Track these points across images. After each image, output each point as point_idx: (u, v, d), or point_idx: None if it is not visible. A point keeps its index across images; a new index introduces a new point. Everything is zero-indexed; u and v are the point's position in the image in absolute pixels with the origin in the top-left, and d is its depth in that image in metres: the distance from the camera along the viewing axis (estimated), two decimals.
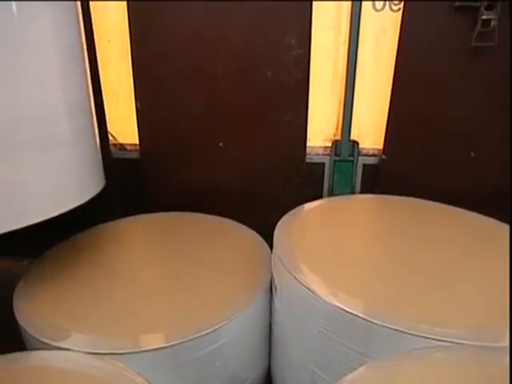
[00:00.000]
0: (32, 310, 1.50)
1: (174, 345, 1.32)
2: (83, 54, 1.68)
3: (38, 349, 1.36)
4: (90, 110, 1.73)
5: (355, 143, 2.35)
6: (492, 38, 1.94)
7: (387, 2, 2.08)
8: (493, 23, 1.91)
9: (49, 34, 1.43)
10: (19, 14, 1.29)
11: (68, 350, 1.29)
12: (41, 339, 1.35)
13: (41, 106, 1.42)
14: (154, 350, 1.31)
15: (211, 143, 2.37)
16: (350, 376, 0.95)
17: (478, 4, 1.90)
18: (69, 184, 1.59)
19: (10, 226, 1.36)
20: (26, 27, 1.33)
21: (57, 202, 1.52)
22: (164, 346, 1.31)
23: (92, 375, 1.15)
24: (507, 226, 1.79)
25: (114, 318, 1.46)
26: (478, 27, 1.94)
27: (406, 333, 1.12)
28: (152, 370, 1.28)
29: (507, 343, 1.08)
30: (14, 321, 1.47)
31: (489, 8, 1.89)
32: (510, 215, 1.90)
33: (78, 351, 1.27)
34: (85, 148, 1.67)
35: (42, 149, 1.43)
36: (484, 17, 1.91)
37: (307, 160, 2.39)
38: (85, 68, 1.69)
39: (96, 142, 1.79)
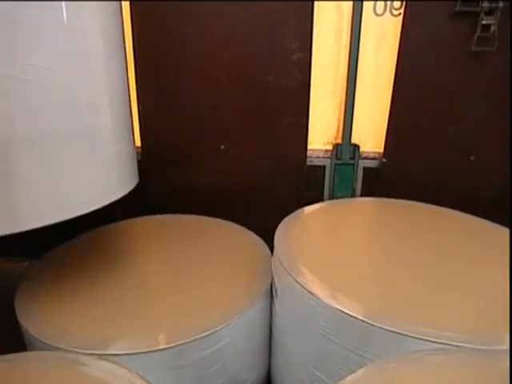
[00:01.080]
0: (34, 310, 1.50)
1: (174, 346, 1.32)
2: (124, 47, 1.68)
3: (39, 349, 1.37)
4: (129, 102, 1.74)
5: (356, 146, 2.36)
6: (492, 42, 1.96)
7: (388, 7, 2.09)
8: (493, 28, 1.93)
9: (96, 24, 1.42)
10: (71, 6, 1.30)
11: (69, 350, 1.29)
12: (42, 340, 1.35)
13: (88, 94, 1.42)
14: (155, 351, 1.31)
15: (212, 145, 2.39)
16: (348, 378, 0.96)
17: (478, 9, 1.92)
18: (111, 176, 1.58)
19: (53, 218, 1.33)
20: (77, 17, 1.32)
21: (99, 194, 1.50)
22: (164, 347, 1.32)
23: (93, 376, 1.15)
24: (507, 230, 1.79)
25: (114, 319, 1.46)
26: (478, 32, 1.95)
27: (406, 335, 1.12)
28: (152, 371, 1.28)
29: (506, 346, 1.08)
30: (16, 321, 1.48)
31: (489, 13, 1.91)
32: (510, 218, 1.91)
33: (79, 352, 1.27)
34: (124, 140, 1.67)
35: (86, 138, 1.42)
36: (484, 22, 1.92)
37: (308, 163, 2.40)
38: (125, 61, 1.70)
39: (133, 136, 1.80)
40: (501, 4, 1.87)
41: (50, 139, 1.31)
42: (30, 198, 1.29)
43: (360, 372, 0.99)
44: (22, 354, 1.27)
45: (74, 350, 1.29)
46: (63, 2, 1.27)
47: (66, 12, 1.28)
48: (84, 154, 1.43)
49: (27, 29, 1.19)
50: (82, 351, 1.28)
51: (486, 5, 1.89)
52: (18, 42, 1.18)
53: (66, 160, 1.37)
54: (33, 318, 1.46)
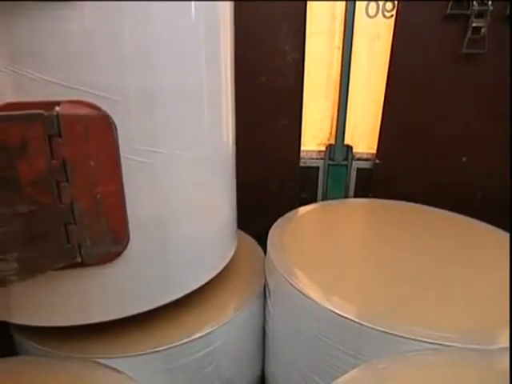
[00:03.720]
0: None
1: (166, 349, 1.31)
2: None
3: (29, 353, 1.35)
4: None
5: (349, 147, 2.36)
6: (482, 44, 1.98)
7: (380, 9, 2.11)
8: (483, 30, 1.95)
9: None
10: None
11: (59, 354, 1.28)
12: (31, 343, 1.33)
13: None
14: (147, 353, 1.30)
15: None
16: (341, 378, 0.96)
17: (469, 12, 1.94)
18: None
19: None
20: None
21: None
22: (156, 349, 1.31)
23: (83, 379, 1.14)
24: (498, 230, 1.81)
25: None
26: (469, 34, 1.97)
27: (399, 336, 1.12)
28: (144, 373, 1.27)
29: (498, 346, 1.09)
30: (6, 324, 1.45)
31: (479, 16, 1.93)
32: (510, 219, 1.92)
33: (70, 356, 1.26)
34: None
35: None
36: (474, 24, 1.95)
37: (301, 164, 2.40)
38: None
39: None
40: (490, 7, 1.89)
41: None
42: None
43: (353, 372, 0.99)
44: (10, 359, 1.26)
45: (64, 353, 1.27)
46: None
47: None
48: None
49: None
50: (73, 355, 1.26)
51: (476, 7, 1.91)
52: None
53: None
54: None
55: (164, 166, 1.20)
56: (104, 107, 1.02)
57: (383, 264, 1.55)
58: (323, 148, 2.40)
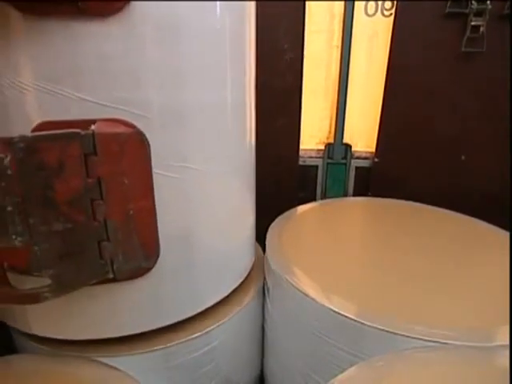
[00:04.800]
0: None
1: (165, 348, 1.31)
2: None
3: (29, 352, 1.35)
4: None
5: (348, 146, 2.36)
6: (481, 43, 1.98)
7: (379, 8, 2.11)
8: (482, 29, 1.95)
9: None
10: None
11: (59, 352, 1.27)
12: (31, 342, 1.33)
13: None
14: (146, 352, 1.29)
15: None
16: (340, 376, 0.95)
17: (467, 10, 1.94)
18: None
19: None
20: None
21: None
22: (155, 348, 1.30)
23: (84, 378, 1.14)
24: (498, 229, 1.81)
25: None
26: (468, 33, 1.97)
27: (398, 334, 1.12)
28: (143, 372, 1.27)
29: (496, 343, 1.09)
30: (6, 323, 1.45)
31: (478, 14, 1.93)
32: (510, 218, 1.92)
33: (69, 355, 1.26)
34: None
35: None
36: (473, 23, 1.95)
37: (300, 163, 2.40)
38: None
39: None
40: (489, 5, 1.90)
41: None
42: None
43: (351, 370, 0.99)
44: (10, 357, 1.25)
45: (63, 352, 1.27)
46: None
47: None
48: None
49: None
50: (72, 354, 1.26)
51: (474, 6, 1.92)
52: None
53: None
54: None
55: (194, 181, 1.22)
56: (138, 124, 1.03)
57: (382, 262, 1.55)
58: (322, 147, 2.40)
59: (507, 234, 1.75)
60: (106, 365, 1.19)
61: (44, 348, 1.30)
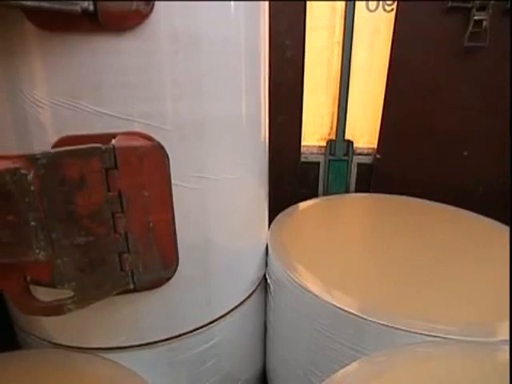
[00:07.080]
0: None
1: (167, 343, 1.32)
2: None
3: (32, 347, 1.36)
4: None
5: (350, 142, 2.36)
6: (484, 38, 1.97)
7: (380, 3, 2.09)
8: (484, 24, 1.94)
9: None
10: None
11: (59, 346, 1.28)
12: (33, 337, 1.34)
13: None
14: (146, 346, 1.30)
15: None
16: (341, 371, 0.96)
17: (470, 5, 1.93)
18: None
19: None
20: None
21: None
22: (158, 344, 1.31)
23: (84, 373, 1.15)
24: (499, 224, 1.81)
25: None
26: (470, 27, 1.96)
27: (399, 329, 1.13)
28: (144, 367, 1.28)
29: (497, 338, 1.09)
30: (8, 317, 1.46)
31: (480, 9, 1.92)
32: (510, 216, 1.92)
33: (70, 346, 1.27)
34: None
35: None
36: (476, 17, 1.94)
37: (302, 159, 2.40)
38: None
39: None
40: (492, 0, 1.88)
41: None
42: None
43: (352, 365, 0.99)
44: (14, 353, 1.26)
45: (62, 344, 1.27)
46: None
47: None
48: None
49: None
50: (73, 346, 1.27)
51: (477, 0, 1.90)
52: None
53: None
54: None
55: (211, 190, 1.23)
56: (157, 137, 1.04)
57: (383, 258, 1.55)
58: (324, 143, 2.40)
59: (508, 228, 1.75)
60: (108, 360, 1.20)
61: (46, 343, 1.31)
